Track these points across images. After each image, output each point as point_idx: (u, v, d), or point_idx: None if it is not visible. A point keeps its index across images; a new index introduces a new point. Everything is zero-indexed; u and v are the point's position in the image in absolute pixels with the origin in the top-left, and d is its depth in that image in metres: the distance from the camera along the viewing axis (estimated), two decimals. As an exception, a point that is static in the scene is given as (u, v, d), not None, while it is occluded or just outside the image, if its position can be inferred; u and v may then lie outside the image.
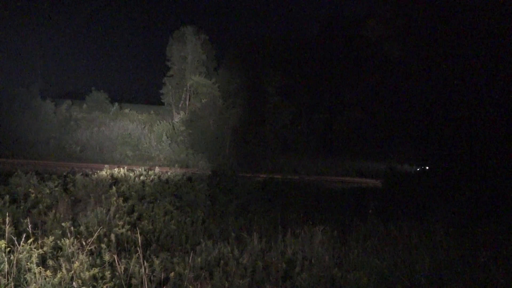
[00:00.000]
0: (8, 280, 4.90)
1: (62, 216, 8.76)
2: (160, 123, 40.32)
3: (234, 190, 14.02)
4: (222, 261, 6.79)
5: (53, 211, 8.98)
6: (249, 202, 12.45)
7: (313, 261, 7.18)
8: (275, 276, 6.45)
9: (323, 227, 8.56)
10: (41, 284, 4.72)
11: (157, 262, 6.12)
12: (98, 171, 16.11)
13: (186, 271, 5.94)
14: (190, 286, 5.43)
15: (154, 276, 5.73)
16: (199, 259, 6.66)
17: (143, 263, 5.58)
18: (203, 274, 6.08)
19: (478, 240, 8.79)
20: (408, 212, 11.51)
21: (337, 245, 8.17)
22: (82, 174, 14.10)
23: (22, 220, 7.56)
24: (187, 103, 41.46)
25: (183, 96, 41.55)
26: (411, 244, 8.33)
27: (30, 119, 38.97)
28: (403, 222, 9.85)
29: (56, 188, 11.57)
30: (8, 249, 5.45)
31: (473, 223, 10.29)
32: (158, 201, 11.18)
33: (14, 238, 5.78)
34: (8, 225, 6.19)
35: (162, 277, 5.75)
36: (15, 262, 5.20)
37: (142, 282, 5.26)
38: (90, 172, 15.68)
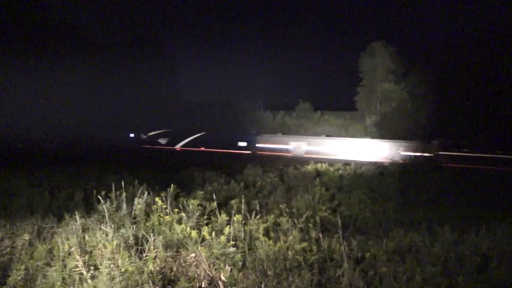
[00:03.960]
0: (244, 244, 5.55)
1: (279, 199, 9.45)
2: (354, 126, 40.03)
3: (425, 184, 12.77)
4: (413, 248, 6.27)
5: (273, 195, 9.79)
6: (439, 195, 11.15)
7: (512, 258, 5.97)
8: (468, 268, 5.61)
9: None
10: (266, 250, 5.17)
11: (354, 242, 6.03)
12: (305, 166, 16.88)
13: (379, 253, 5.68)
14: (384, 267, 5.17)
15: (351, 254, 5.67)
16: (391, 244, 6.29)
17: (343, 242, 5.57)
18: (395, 258, 5.72)
19: None
20: None
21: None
22: (293, 168, 14.98)
23: (251, 201, 8.45)
24: (378, 108, 39.91)
25: (374, 102, 40.21)
26: None
27: (255, 126, 43.69)
28: None
29: (275, 178, 12.59)
30: (243, 222, 6.16)
31: None
32: (354, 192, 11.04)
33: (247, 214, 6.53)
34: (243, 204, 7.01)
35: (359, 256, 5.65)
36: (248, 231, 5.86)
37: (341, 258, 5.26)
38: (299, 166, 16.54)
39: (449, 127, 31.58)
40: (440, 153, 25.99)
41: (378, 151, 28.13)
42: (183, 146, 33.43)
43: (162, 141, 34.77)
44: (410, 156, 25.68)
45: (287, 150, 29.71)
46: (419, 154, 25.76)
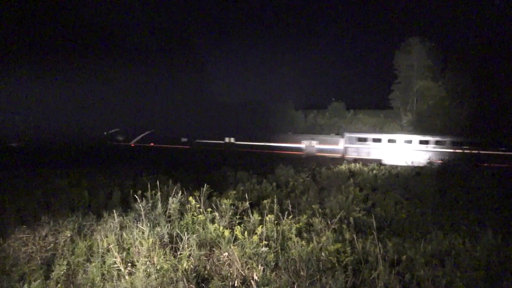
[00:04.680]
0: (276, 244, 5.55)
1: (311, 199, 9.38)
2: (389, 124, 39.10)
3: (465, 185, 12.25)
4: (453, 252, 6.03)
5: (305, 195, 9.72)
6: (481, 197, 10.66)
7: None
8: (513, 273, 5.33)
9: None
10: (298, 251, 5.15)
11: (390, 244, 5.89)
12: (338, 166, 16.64)
13: (417, 256, 5.51)
14: (421, 270, 5.01)
15: (387, 256, 5.54)
16: (429, 247, 6.09)
17: (378, 244, 5.45)
18: (434, 261, 5.53)
19: None
20: None
21: None
22: (326, 168, 14.81)
23: (284, 201, 8.43)
24: (414, 106, 38.68)
25: (410, 99, 39.00)
26: None
27: (287, 126, 43.60)
28: None
29: (307, 178, 12.50)
30: (276, 222, 6.16)
31: None
32: (389, 192, 10.77)
33: (279, 214, 6.53)
34: (275, 204, 7.02)
35: (395, 258, 5.50)
36: (280, 231, 5.85)
37: (376, 260, 5.15)
38: (332, 166, 16.33)
39: (489, 125, 30.10)
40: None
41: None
42: (136, 142, 38.64)
43: (120, 137, 40.13)
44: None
45: (220, 144, 35.32)
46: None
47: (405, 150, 27.35)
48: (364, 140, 28.63)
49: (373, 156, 27.65)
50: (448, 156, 24.87)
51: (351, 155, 28.57)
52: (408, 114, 38.81)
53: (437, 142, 26.95)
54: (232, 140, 34.98)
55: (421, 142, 27.12)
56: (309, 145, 30.79)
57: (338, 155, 28.92)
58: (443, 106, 34.58)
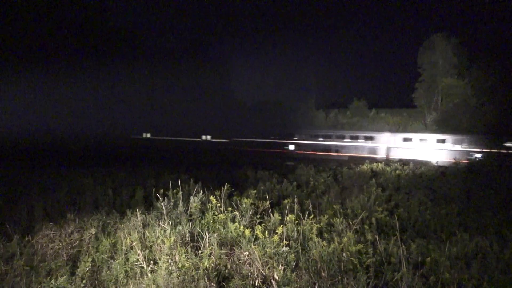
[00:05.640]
0: (296, 244, 5.53)
1: (333, 200, 9.30)
2: (412, 124, 38.36)
3: (493, 185, 11.87)
4: (480, 254, 5.85)
5: (326, 195, 9.64)
6: (510, 198, 10.29)
7: None
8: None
9: None
10: (319, 251, 5.11)
11: (413, 246, 5.78)
12: (360, 166, 16.44)
13: (442, 258, 5.38)
14: (447, 273, 4.89)
15: (410, 258, 5.43)
16: (455, 249, 5.93)
17: (401, 245, 5.35)
18: (460, 264, 5.39)
19: None
20: None
21: None
22: (347, 168, 14.66)
23: (304, 201, 8.39)
24: (439, 104, 37.72)
25: (434, 98, 38.05)
26: None
27: (308, 125, 43.45)
28: None
29: (328, 178, 12.40)
30: (296, 221, 6.14)
31: None
32: (413, 193, 10.56)
33: (300, 214, 6.50)
34: (296, 204, 6.99)
35: (419, 260, 5.39)
36: (301, 231, 5.83)
37: (400, 262, 5.05)
38: (354, 166, 16.14)
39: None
40: None
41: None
42: None
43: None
44: None
45: (139, 139, 43.26)
46: None
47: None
48: (250, 137, 35.69)
49: (257, 148, 34.73)
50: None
51: (242, 147, 35.58)
52: (433, 113, 37.92)
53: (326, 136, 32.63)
54: (148, 135, 41.99)
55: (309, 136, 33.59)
56: (205, 139, 38.23)
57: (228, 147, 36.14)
58: (469, 105, 33.56)
